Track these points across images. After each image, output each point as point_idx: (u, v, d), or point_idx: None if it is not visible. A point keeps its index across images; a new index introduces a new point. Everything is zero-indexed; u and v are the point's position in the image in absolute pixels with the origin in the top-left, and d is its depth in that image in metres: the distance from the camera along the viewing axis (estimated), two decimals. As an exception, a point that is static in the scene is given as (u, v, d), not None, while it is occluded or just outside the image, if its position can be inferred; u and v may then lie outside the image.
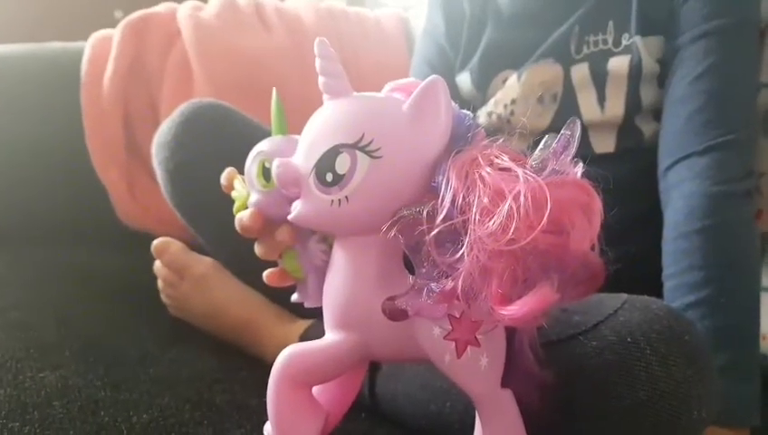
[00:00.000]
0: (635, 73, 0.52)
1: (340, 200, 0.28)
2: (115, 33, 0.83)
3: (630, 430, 0.32)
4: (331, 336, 0.31)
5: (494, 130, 0.28)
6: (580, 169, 0.27)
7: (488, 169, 0.26)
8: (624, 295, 0.35)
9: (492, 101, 0.59)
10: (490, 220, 0.24)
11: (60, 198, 0.81)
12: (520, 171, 0.25)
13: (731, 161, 0.46)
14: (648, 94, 0.52)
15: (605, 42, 0.54)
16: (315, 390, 0.34)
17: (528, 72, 0.56)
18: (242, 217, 0.33)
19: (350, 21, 0.96)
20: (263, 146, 0.34)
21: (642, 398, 0.31)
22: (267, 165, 0.33)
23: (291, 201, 0.31)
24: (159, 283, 0.59)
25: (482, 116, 0.59)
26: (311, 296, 0.35)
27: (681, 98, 0.49)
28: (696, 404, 0.31)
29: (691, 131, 0.48)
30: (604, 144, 0.53)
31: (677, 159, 0.48)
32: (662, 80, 0.52)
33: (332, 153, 0.28)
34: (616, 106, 0.53)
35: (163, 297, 0.59)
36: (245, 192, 0.34)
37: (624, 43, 0.53)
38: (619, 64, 0.52)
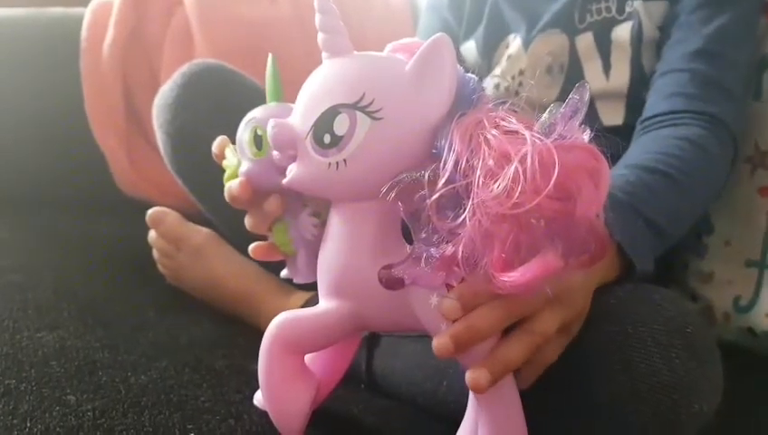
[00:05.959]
0: (636, 39, 0.51)
1: (338, 163, 0.27)
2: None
3: (629, 422, 0.31)
4: (325, 304, 0.30)
5: (501, 102, 0.26)
6: (588, 134, 0.25)
7: (494, 132, 0.25)
8: (627, 285, 0.34)
9: (498, 72, 0.57)
10: (494, 183, 0.23)
11: (60, 165, 0.80)
12: (527, 133, 0.24)
13: (717, 136, 0.44)
14: (648, 61, 0.51)
15: (608, 9, 0.52)
16: (307, 358, 0.33)
17: (535, 42, 0.55)
18: (231, 186, 0.32)
19: (356, -6, 0.93)
20: (256, 113, 0.33)
21: (642, 389, 0.30)
22: (260, 132, 0.32)
23: (282, 171, 0.29)
24: (155, 253, 0.58)
25: (489, 88, 0.58)
26: (300, 272, 0.34)
27: (674, 63, 0.48)
28: (697, 398, 0.31)
29: (680, 98, 0.46)
30: (612, 116, 0.52)
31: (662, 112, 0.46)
32: (660, 47, 0.51)
33: (331, 113, 0.27)
34: (621, 74, 0.51)
35: (160, 267, 0.59)
36: (236, 161, 0.33)
37: (627, 9, 0.51)
38: (622, 31, 0.51)
